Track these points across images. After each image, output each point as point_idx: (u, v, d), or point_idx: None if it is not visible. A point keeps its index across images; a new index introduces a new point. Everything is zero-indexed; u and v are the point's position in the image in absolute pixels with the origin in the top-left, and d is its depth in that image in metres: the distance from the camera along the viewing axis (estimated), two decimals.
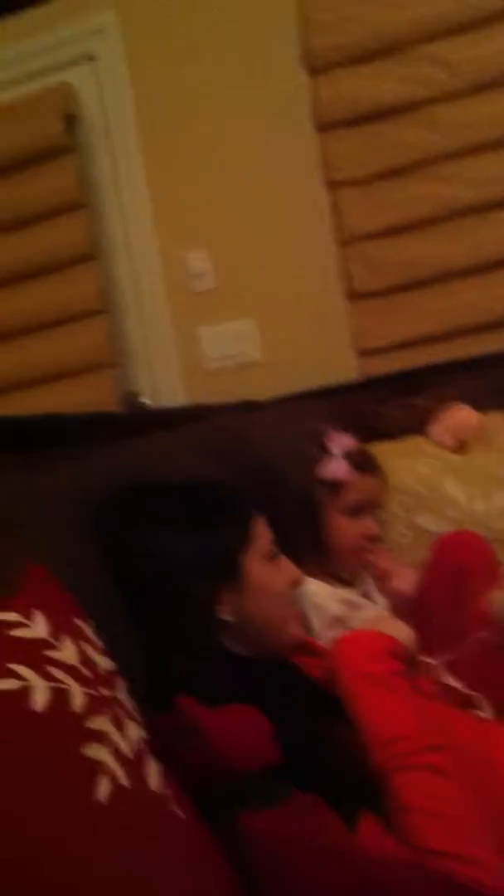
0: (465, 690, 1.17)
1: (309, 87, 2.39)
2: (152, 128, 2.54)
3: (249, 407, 2.00)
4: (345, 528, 1.45)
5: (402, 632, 1.07)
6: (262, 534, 1.06)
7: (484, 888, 0.80)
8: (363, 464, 1.48)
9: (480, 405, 1.93)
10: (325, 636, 1.33)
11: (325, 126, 2.39)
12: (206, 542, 1.01)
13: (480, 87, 2.26)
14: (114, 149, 2.58)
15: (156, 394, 2.56)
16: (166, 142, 2.53)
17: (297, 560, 1.15)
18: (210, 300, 2.53)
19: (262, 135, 2.45)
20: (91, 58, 2.58)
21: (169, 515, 1.03)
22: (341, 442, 1.45)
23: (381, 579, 1.53)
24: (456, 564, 1.41)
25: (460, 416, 1.86)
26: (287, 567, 1.09)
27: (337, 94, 2.36)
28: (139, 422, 1.54)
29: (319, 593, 1.39)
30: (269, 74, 2.42)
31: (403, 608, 1.49)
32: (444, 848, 0.82)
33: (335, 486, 1.44)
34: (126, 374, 2.61)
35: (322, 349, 2.43)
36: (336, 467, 1.42)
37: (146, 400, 2.56)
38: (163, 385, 2.56)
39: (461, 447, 1.84)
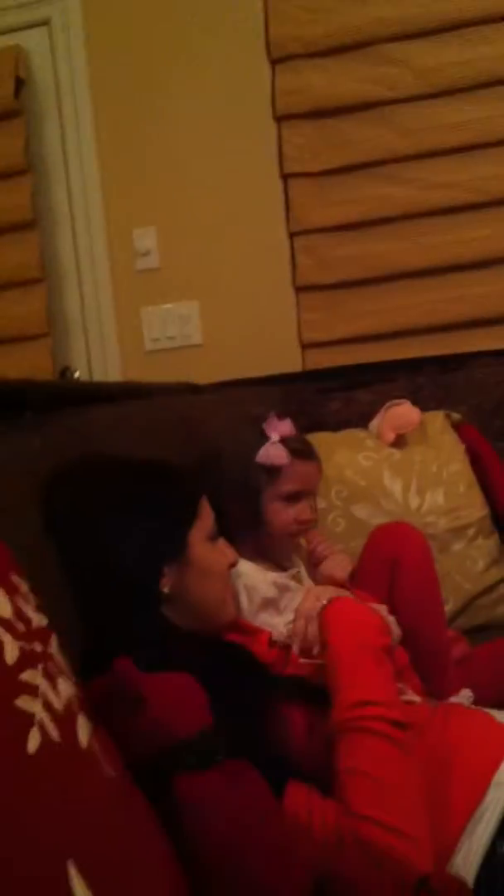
0: None
1: (270, 76, 2.37)
2: (105, 99, 2.49)
3: (191, 389, 1.97)
4: (281, 513, 1.44)
5: (392, 626, 1.08)
6: (207, 514, 1.09)
7: (413, 867, 0.80)
8: (301, 450, 1.48)
9: (420, 404, 1.96)
10: (254, 617, 1.34)
11: (283, 117, 2.39)
12: (155, 517, 1.02)
13: (441, 93, 2.28)
14: (63, 116, 2.52)
15: (91, 369, 2.51)
16: (119, 114, 2.48)
17: (232, 541, 1.17)
18: (154, 279, 2.49)
19: (220, 118, 2.42)
20: (46, 22, 2.51)
21: (120, 489, 1.04)
22: (280, 428, 1.45)
23: (315, 563, 1.53)
24: (392, 554, 1.42)
25: (401, 411, 1.88)
26: (225, 548, 1.12)
27: (297, 85, 2.36)
28: (81, 393, 1.50)
29: (251, 574, 1.39)
30: (232, 58, 2.40)
31: None
32: (384, 818, 0.82)
33: (273, 472, 1.43)
34: (62, 347, 2.55)
35: (265, 338, 2.42)
36: (275, 453, 1.42)
37: (79, 375, 2.51)
38: (99, 361, 2.52)
39: (400, 442, 1.86)
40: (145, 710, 0.81)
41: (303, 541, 1.51)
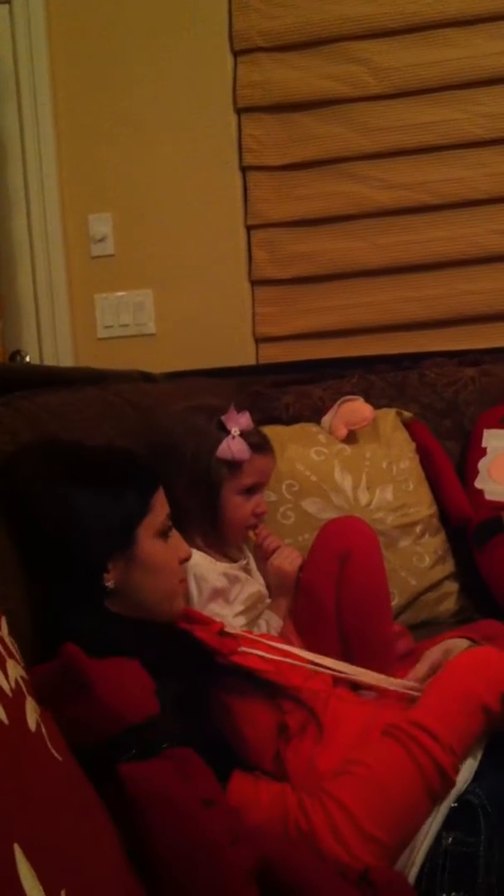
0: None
1: (232, 67, 2.37)
2: (65, 82, 2.44)
3: (144, 378, 1.95)
4: (239, 506, 1.44)
5: None
6: (161, 507, 1.07)
7: (354, 859, 0.81)
8: (260, 444, 1.48)
9: (372, 401, 1.97)
10: (203, 607, 1.34)
11: (244, 109, 2.38)
12: (106, 506, 1.01)
13: (400, 94, 2.29)
14: (22, 98, 2.46)
15: (43, 355, 2.47)
16: (79, 98, 2.44)
17: (184, 532, 1.16)
18: (108, 266, 2.46)
19: (181, 107, 2.40)
20: (7, 1, 2.45)
21: (75, 475, 1.02)
22: (239, 421, 1.44)
23: (264, 556, 1.53)
24: (343, 547, 1.43)
25: (354, 407, 1.89)
26: (178, 542, 1.11)
27: (259, 78, 2.35)
28: (32, 377, 1.47)
29: (202, 564, 1.39)
30: (194, 48, 2.38)
31: (283, 586, 1.50)
32: (354, 808, 0.83)
33: (234, 466, 1.43)
34: (14, 331, 2.50)
35: (220, 330, 2.41)
36: (237, 448, 1.41)
37: (30, 359, 2.48)
38: (50, 346, 2.48)
39: (352, 438, 1.87)
40: (91, 697, 0.80)
41: (252, 534, 1.51)
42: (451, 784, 0.88)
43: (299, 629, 1.46)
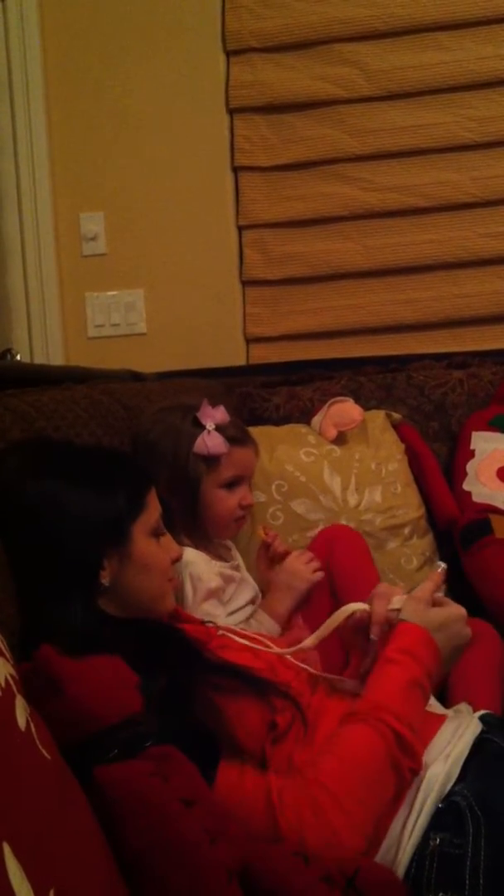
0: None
1: (225, 67, 2.37)
2: (58, 81, 2.43)
3: (134, 378, 1.95)
4: (223, 499, 1.45)
5: None
6: (154, 507, 1.08)
7: (342, 844, 0.82)
8: (237, 437, 1.48)
9: (361, 403, 1.98)
10: (197, 606, 1.34)
11: (237, 109, 2.38)
12: (101, 503, 1.01)
13: (392, 96, 2.30)
14: (14, 95, 2.45)
15: (33, 354, 2.46)
16: (72, 97, 2.43)
17: (170, 531, 1.16)
18: (100, 265, 2.46)
19: (173, 107, 2.40)
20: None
21: (68, 471, 1.03)
22: (215, 415, 1.44)
23: (274, 557, 1.52)
24: (330, 536, 1.50)
25: (344, 408, 1.89)
26: (169, 543, 1.12)
27: (251, 79, 2.35)
28: (22, 375, 1.47)
29: (199, 564, 1.39)
30: (187, 48, 2.38)
31: (295, 588, 1.49)
32: (334, 788, 0.84)
33: (212, 461, 1.43)
34: (4, 329, 2.49)
35: (210, 331, 2.42)
36: (213, 443, 1.42)
37: (20, 358, 2.47)
38: (41, 346, 2.47)
39: (341, 439, 1.87)
40: (64, 697, 0.81)
41: (261, 530, 1.52)
42: (413, 752, 0.91)
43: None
